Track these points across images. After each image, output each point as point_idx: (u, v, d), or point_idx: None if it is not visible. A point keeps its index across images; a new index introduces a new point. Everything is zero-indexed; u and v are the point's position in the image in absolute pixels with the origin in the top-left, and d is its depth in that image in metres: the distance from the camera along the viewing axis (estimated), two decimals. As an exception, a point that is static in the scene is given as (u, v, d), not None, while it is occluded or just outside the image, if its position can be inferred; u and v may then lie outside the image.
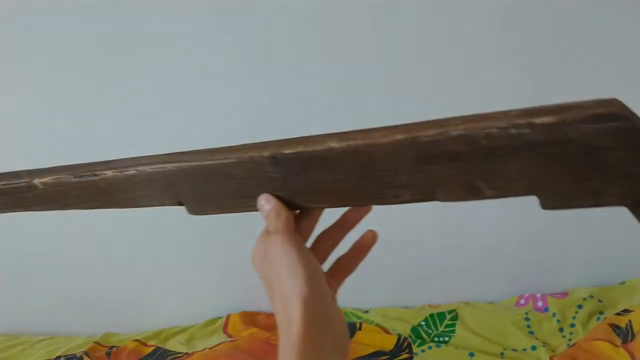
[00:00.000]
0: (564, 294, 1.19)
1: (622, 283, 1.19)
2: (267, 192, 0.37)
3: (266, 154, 0.35)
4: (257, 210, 0.38)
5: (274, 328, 1.41)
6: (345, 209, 0.41)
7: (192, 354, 1.12)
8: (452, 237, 1.21)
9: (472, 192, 0.31)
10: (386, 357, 1.07)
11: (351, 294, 0.92)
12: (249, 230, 1.30)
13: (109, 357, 1.17)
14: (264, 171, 0.36)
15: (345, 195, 0.35)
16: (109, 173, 0.38)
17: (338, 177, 0.34)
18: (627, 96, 0.30)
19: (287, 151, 0.34)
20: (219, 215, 0.40)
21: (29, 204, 0.43)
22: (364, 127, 0.34)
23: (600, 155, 0.27)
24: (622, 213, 0.29)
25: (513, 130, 0.28)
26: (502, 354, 1.05)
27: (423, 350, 1.09)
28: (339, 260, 0.42)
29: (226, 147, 0.37)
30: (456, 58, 1.11)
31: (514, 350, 1.06)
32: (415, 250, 1.26)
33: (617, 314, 1.06)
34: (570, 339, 1.07)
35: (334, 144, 0.33)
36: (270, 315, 1.30)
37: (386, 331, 1.15)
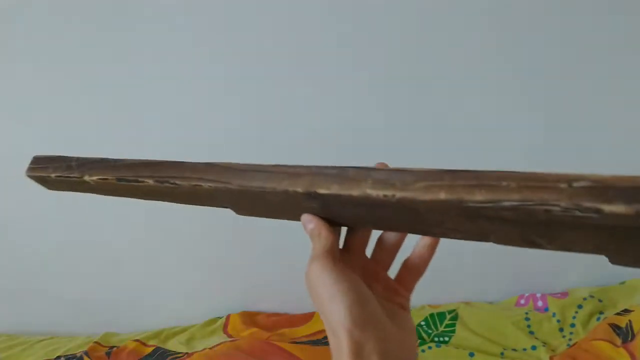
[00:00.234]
0: (564, 294, 1.19)
1: (622, 283, 1.19)
2: (306, 212, 0.36)
3: (300, 190, 0.33)
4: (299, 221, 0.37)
5: (274, 328, 1.41)
6: None
7: (192, 354, 1.12)
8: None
9: (530, 244, 0.29)
10: (386, 357, 1.07)
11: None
12: (249, 231, 1.32)
13: (108, 357, 1.17)
14: (300, 202, 0.34)
15: (391, 226, 0.34)
16: (150, 182, 0.38)
17: (381, 216, 0.32)
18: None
19: (321, 191, 0.32)
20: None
21: (83, 190, 0.44)
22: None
23: None
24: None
25: (577, 213, 0.24)
26: (502, 354, 1.05)
27: (423, 350, 1.09)
28: (407, 263, 0.40)
29: (259, 167, 0.35)
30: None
31: (514, 350, 1.06)
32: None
33: (617, 313, 1.06)
34: (570, 339, 1.07)
35: (370, 191, 0.30)
36: (271, 315, 1.30)
37: (386, 331, 1.15)
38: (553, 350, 1.05)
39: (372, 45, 1.13)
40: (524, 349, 1.05)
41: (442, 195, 0.27)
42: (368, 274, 0.39)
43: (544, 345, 1.05)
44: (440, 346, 1.10)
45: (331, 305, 0.33)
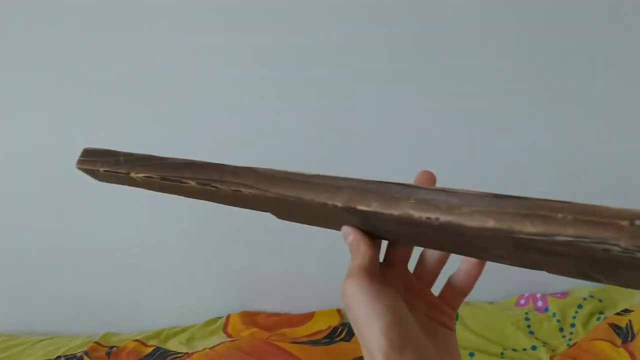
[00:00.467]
0: (564, 294, 1.19)
1: (623, 283, 1.18)
2: (348, 224, 0.34)
3: (339, 204, 0.32)
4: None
5: (274, 328, 1.40)
6: None
7: (192, 354, 1.12)
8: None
9: (587, 277, 0.27)
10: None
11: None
12: (249, 231, 1.32)
13: (108, 357, 1.17)
14: (340, 214, 0.33)
15: (436, 246, 0.33)
16: (193, 183, 0.38)
17: (424, 235, 0.31)
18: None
19: (360, 208, 0.31)
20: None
21: (130, 185, 0.45)
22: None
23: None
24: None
25: (638, 255, 0.22)
26: (502, 354, 1.05)
27: (423, 350, 1.09)
28: (452, 280, 0.37)
29: (299, 176, 0.34)
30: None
31: (514, 350, 1.05)
32: (415, 251, 1.26)
33: (617, 313, 1.06)
34: (570, 339, 1.07)
35: (412, 212, 0.28)
36: (270, 315, 1.30)
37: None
38: (553, 351, 1.04)
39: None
40: (524, 349, 1.05)
41: (490, 224, 0.26)
42: (410, 290, 0.37)
43: (544, 345, 1.05)
44: (440, 346, 1.10)
45: (366, 326, 0.31)
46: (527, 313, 1.15)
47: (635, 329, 0.99)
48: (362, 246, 0.34)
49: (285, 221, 0.40)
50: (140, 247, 1.31)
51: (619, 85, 1.17)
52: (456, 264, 0.38)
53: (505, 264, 0.30)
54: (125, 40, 1.16)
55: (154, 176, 0.40)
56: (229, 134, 1.20)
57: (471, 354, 1.05)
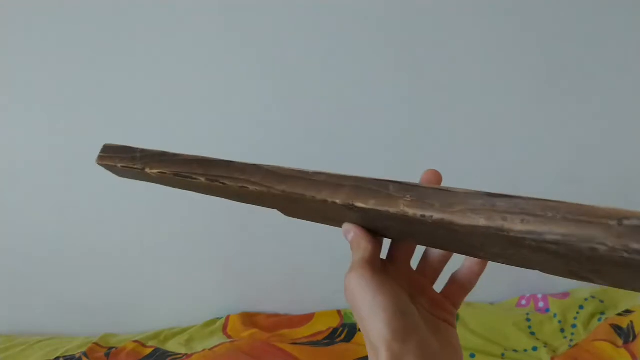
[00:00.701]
0: (565, 295, 1.19)
1: (624, 283, 1.18)
2: (349, 221, 0.35)
3: (338, 201, 0.33)
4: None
5: (274, 329, 1.40)
6: None
7: (192, 355, 1.12)
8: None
9: (579, 277, 0.28)
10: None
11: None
12: (249, 231, 1.31)
13: (108, 358, 1.17)
14: (341, 211, 0.34)
15: (435, 244, 0.33)
16: (202, 180, 0.39)
17: (421, 232, 0.32)
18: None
19: (359, 205, 0.32)
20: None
21: (146, 180, 0.46)
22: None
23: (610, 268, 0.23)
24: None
25: (625, 255, 0.22)
26: (503, 354, 1.04)
27: (424, 351, 1.09)
28: (455, 277, 0.38)
29: (302, 173, 0.35)
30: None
31: (515, 351, 1.05)
32: (418, 249, 1.25)
33: (619, 314, 1.05)
34: (571, 340, 1.06)
35: (407, 209, 0.30)
36: (270, 316, 1.30)
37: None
38: (554, 351, 1.04)
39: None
40: (525, 350, 1.05)
41: (482, 222, 0.27)
42: (413, 286, 0.37)
43: (545, 346, 1.05)
44: (440, 347, 1.10)
45: (370, 318, 0.32)
46: (528, 314, 1.14)
47: (637, 330, 0.98)
48: (363, 242, 0.34)
49: (286, 220, 0.40)
50: (139, 247, 1.31)
51: (619, 86, 1.17)
52: (459, 262, 0.38)
53: (501, 262, 0.31)
54: (125, 40, 1.16)
55: (167, 172, 0.41)
56: (233, 134, 1.20)
57: (472, 355, 1.05)
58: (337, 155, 1.19)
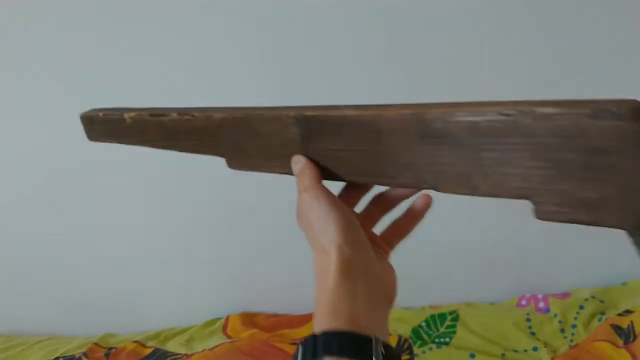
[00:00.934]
0: (566, 295, 1.18)
1: (624, 284, 1.18)
2: (291, 153, 0.39)
3: (291, 113, 0.37)
4: (288, 172, 0.40)
5: (274, 329, 1.40)
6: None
7: (192, 355, 1.12)
8: (452, 237, 1.21)
9: (467, 186, 0.31)
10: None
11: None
12: (248, 231, 1.31)
13: (107, 358, 1.17)
14: (287, 131, 0.38)
15: (353, 169, 0.37)
16: (174, 115, 0.44)
17: (348, 147, 0.36)
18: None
19: (307, 113, 0.37)
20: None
21: (120, 136, 0.49)
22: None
23: (601, 158, 0.25)
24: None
25: (514, 117, 0.27)
26: (503, 355, 1.04)
27: (424, 352, 1.09)
28: (393, 224, 0.42)
29: (254, 107, 0.41)
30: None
31: (515, 351, 1.05)
32: (415, 251, 1.25)
33: (619, 314, 1.05)
34: (571, 340, 1.06)
35: (349, 112, 0.35)
36: (270, 316, 1.29)
37: (387, 332, 1.15)
38: (554, 351, 1.04)
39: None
40: (525, 350, 1.05)
41: (406, 111, 0.32)
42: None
43: (545, 346, 1.05)
44: (441, 347, 1.10)
45: (323, 225, 0.35)
46: (528, 314, 1.14)
47: (637, 330, 0.98)
48: (308, 170, 0.38)
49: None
50: (139, 247, 1.31)
51: (621, 85, 1.17)
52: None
53: (401, 182, 0.35)
54: (124, 40, 1.16)
55: (143, 113, 0.46)
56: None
57: (472, 355, 1.05)
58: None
